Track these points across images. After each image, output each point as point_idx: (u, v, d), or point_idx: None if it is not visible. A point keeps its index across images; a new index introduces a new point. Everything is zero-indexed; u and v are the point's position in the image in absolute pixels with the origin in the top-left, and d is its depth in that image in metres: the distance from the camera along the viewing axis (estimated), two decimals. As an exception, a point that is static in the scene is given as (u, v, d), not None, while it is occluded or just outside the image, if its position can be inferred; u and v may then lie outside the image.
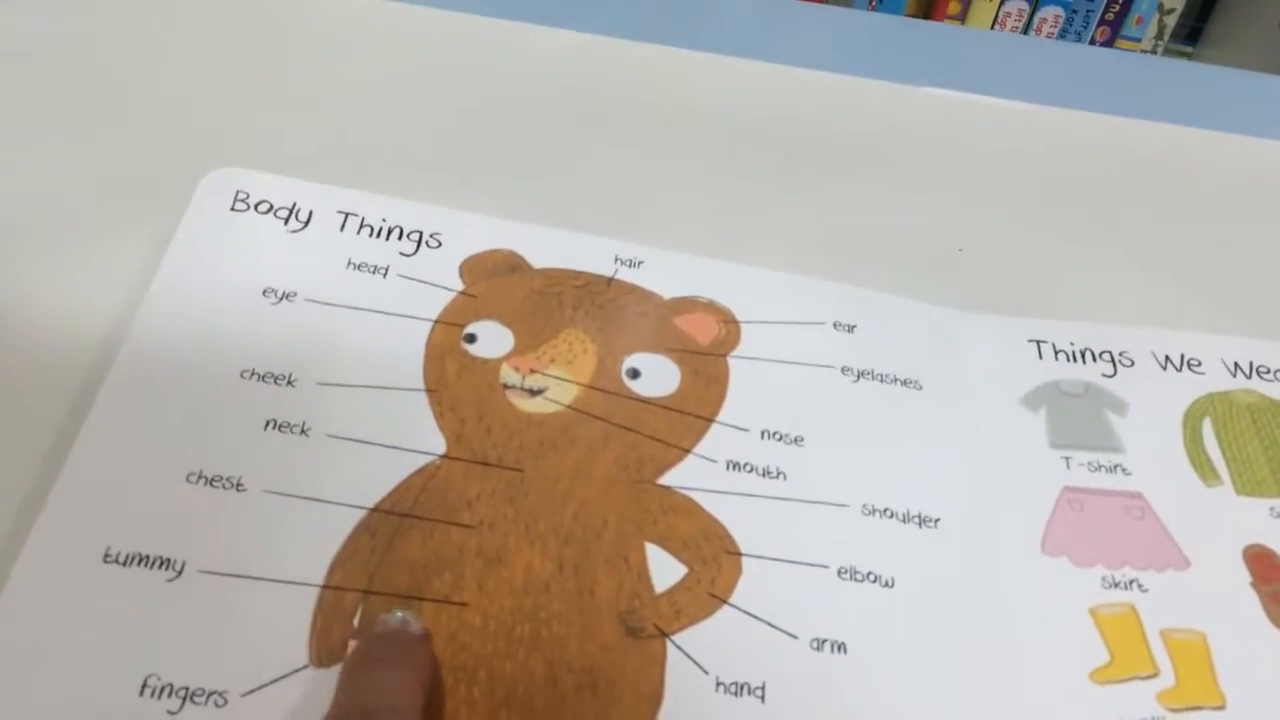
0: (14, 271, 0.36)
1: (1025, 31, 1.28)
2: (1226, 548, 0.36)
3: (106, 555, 0.30)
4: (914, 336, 0.40)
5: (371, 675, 0.27)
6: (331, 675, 0.29)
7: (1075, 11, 1.27)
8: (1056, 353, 0.40)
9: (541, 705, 0.29)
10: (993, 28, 1.30)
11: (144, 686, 0.28)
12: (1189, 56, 1.36)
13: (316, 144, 0.42)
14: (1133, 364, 0.40)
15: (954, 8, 1.25)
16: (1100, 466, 0.38)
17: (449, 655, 0.30)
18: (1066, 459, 0.38)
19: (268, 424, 0.33)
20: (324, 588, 0.30)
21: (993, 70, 0.53)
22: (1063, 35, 1.27)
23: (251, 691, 0.28)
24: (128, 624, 0.29)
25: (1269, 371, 0.41)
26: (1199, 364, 0.41)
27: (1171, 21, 1.29)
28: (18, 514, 0.30)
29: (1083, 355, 0.41)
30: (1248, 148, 0.51)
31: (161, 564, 0.30)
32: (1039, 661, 0.33)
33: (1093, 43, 1.28)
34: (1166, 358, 0.41)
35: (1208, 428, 0.39)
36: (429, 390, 0.35)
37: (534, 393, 0.36)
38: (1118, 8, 1.26)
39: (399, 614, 0.29)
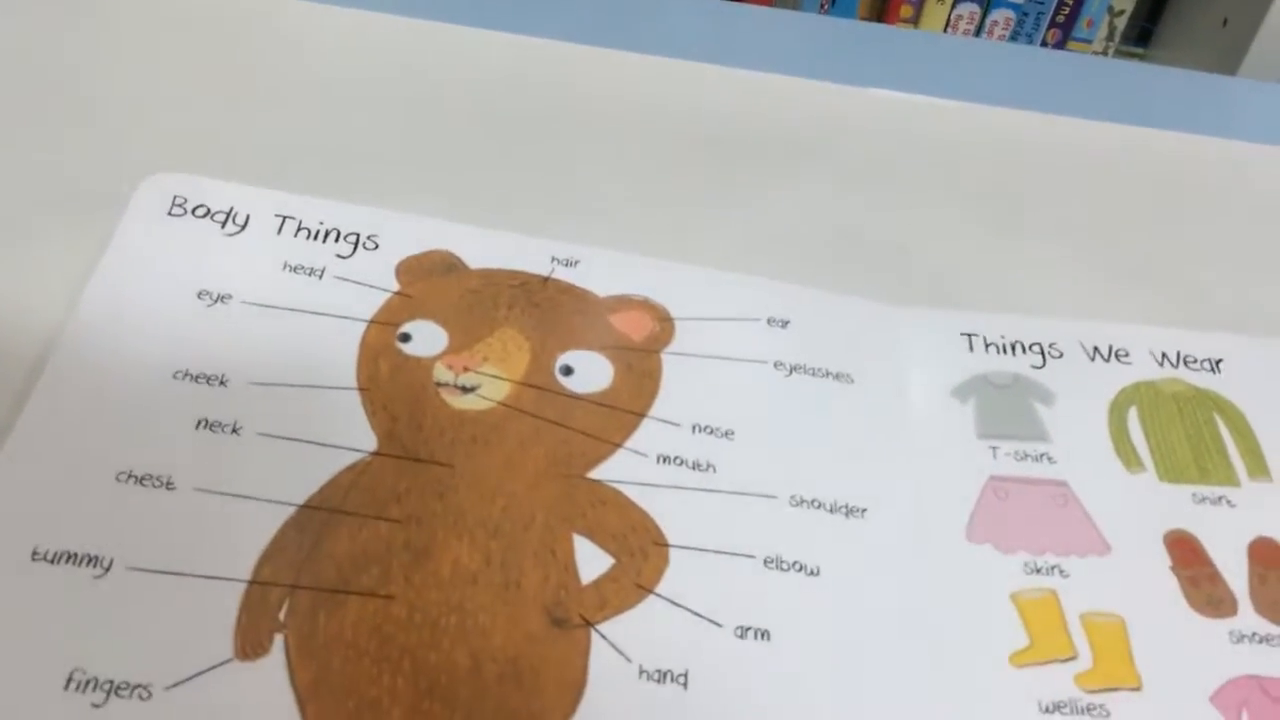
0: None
1: (977, 34, 1.29)
2: (1148, 533, 0.37)
3: (35, 553, 0.30)
4: (847, 331, 0.41)
5: None
6: (254, 668, 0.29)
7: (1026, 14, 1.28)
8: (987, 345, 0.41)
9: (465, 695, 0.30)
10: (945, 31, 1.31)
11: (69, 681, 0.28)
12: (1140, 58, 1.37)
13: (255, 146, 0.42)
14: (1061, 355, 0.41)
15: (906, 11, 1.26)
16: (1026, 456, 0.38)
17: (374, 647, 0.30)
18: (994, 449, 0.38)
19: (199, 423, 0.34)
20: (250, 583, 0.31)
21: (942, 72, 0.54)
22: (1014, 38, 1.28)
23: (176, 684, 0.29)
24: (53, 621, 0.29)
25: (1195, 361, 0.41)
26: (1127, 354, 0.41)
27: (1122, 23, 1.31)
28: (-53, 514, 0.30)
29: (1013, 348, 0.41)
30: (1190, 145, 0.51)
31: (89, 561, 0.30)
32: (960, 646, 0.33)
33: (1044, 45, 1.29)
34: (1095, 349, 0.42)
35: (1133, 416, 0.40)
36: (361, 389, 0.35)
37: (466, 390, 0.36)
38: (1068, 10, 1.27)
39: None
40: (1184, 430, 0.39)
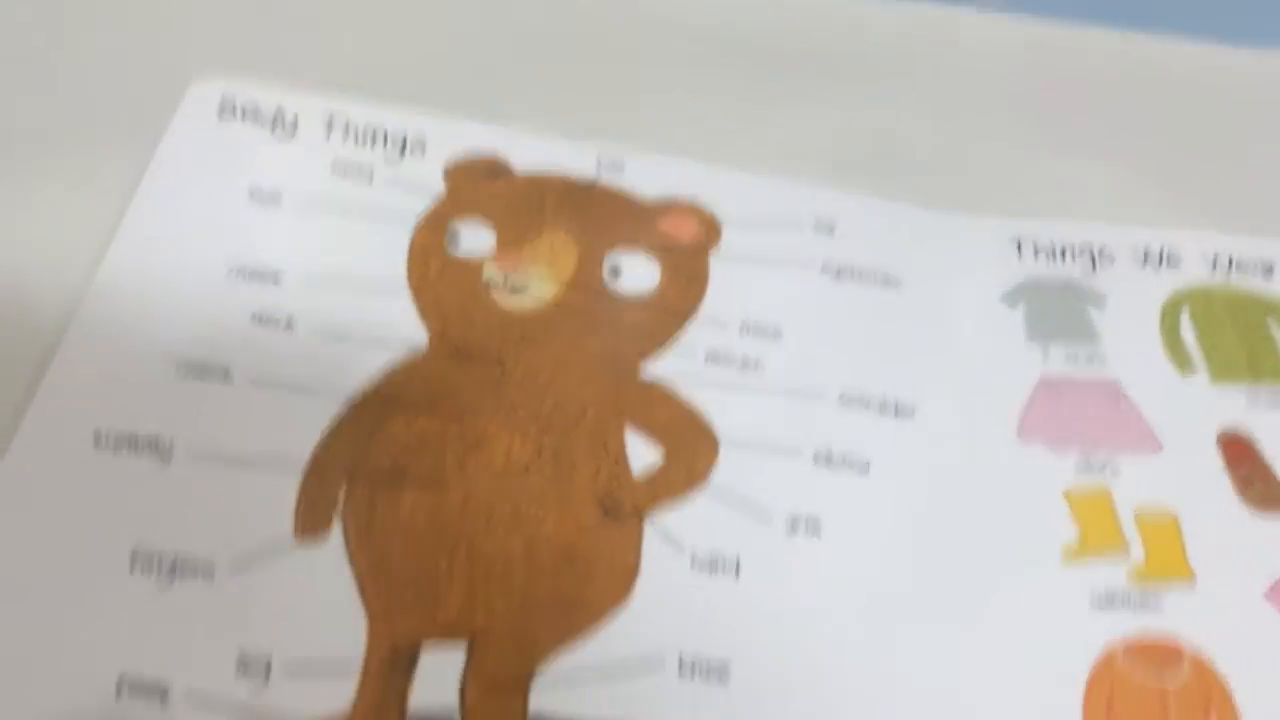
0: (7, 174, 0.36)
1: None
2: (1200, 432, 0.36)
3: (97, 440, 0.31)
4: (894, 237, 0.40)
5: None
6: (314, 552, 0.30)
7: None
8: (1037, 251, 0.41)
9: (520, 580, 0.30)
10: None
11: (133, 561, 0.29)
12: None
13: (303, 49, 0.42)
14: (1113, 260, 0.41)
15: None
16: (1077, 357, 0.38)
17: (430, 534, 0.31)
18: (1044, 350, 0.38)
19: (254, 318, 0.34)
20: (308, 471, 0.31)
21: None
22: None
23: (238, 564, 0.29)
24: (118, 505, 0.30)
25: (1247, 265, 0.41)
26: (1178, 259, 0.41)
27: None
28: (12, 402, 0.31)
29: (1063, 253, 0.41)
30: (1244, 58, 0.50)
31: (151, 447, 0.31)
32: (1012, 541, 0.33)
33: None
34: (1146, 254, 0.41)
35: (1185, 320, 0.39)
36: (412, 288, 0.36)
37: (516, 290, 0.36)
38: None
39: None
40: (1236, 333, 0.39)
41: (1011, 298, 0.39)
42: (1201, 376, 0.38)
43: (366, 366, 0.34)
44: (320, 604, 0.29)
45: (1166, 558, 0.33)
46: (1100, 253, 0.41)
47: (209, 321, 0.34)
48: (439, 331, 0.35)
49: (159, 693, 0.27)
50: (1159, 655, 0.31)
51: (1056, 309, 0.39)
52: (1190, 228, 0.42)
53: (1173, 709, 0.30)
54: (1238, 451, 0.36)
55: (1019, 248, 0.41)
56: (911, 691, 0.30)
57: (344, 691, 0.28)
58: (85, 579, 0.28)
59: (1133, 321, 0.39)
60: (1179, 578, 0.33)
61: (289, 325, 0.34)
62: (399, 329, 0.35)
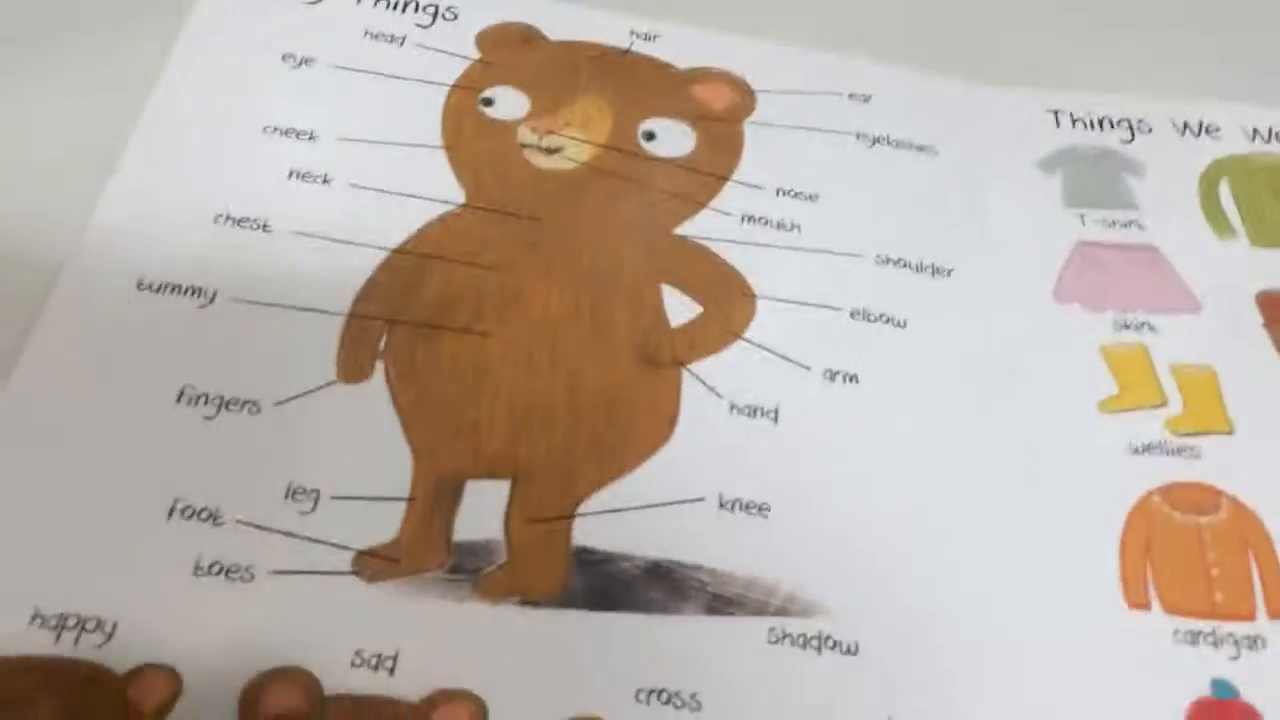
0: (47, 41, 0.36)
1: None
2: (1240, 293, 0.36)
3: (140, 284, 0.31)
4: (930, 107, 0.40)
5: None
6: (357, 391, 0.30)
7: None
8: (1074, 121, 0.40)
9: (562, 421, 0.30)
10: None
11: (180, 395, 0.29)
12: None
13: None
14: (1151, 130, 0.40)
15: None
16: (1115, 223, 0.38)
17: (471, 377, 0.31)
18: (1081, 217, 0.38)
19: (291, 174, 0.34)
20: (350, 316, 0.31)
21: None
22: None
23: (283, 402, 0.29)
24: (162, 344, 0.30)
25: (1288, 136, 0.40)
26: (1217, 130, 0.40)
27: None
28: (55, 246, 0.31)
29: (1100, 123, 0.40)
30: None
31: (193, 293, 0.31)
32: (1049, 395, 0.33)
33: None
34: (1185, 124, 0.41)
35: (1224, 188, 0.39)
36: (446, 148, 0.36)
37: (551, 151, 0.36)
38: None
39: None
40: (1276, 199, 0.39)
41: (1048, 165, 0.39)
42: (1241, 241, 0.38)
43: (404, 221, 0.34)
44: (366, 440, 0.29)
45: (1205, 409, 0.33)
46: (1138, 123, 0.41)
47: (246, 177, 0.34)
48: (474, 190, 0.35)
49: (210, 516, 0.27)
50: (1197, 498, 0.31)
51: (1094, 176, 0.39)
52: (1229, 101, 0.42)
53: (1210, 546, 0.30)
54: (1277, 309, 0.36)
55: (1056, 117, 0.41)
56: (949, 533, 0.30)
57: (391, 521, 0.28)
58: (133, 412, 0.29)
59: (1171, 189, 0.39)
60: (1217, 429, 0.33)
61: (326, 180, 0.34)
62: (435, 187, 0.35)
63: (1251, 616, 0.29)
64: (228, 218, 0.32)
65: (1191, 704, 0.28)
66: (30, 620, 0.25)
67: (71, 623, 0.25)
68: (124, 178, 0.33)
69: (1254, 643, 0.29)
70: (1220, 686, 0.28)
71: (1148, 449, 0.32)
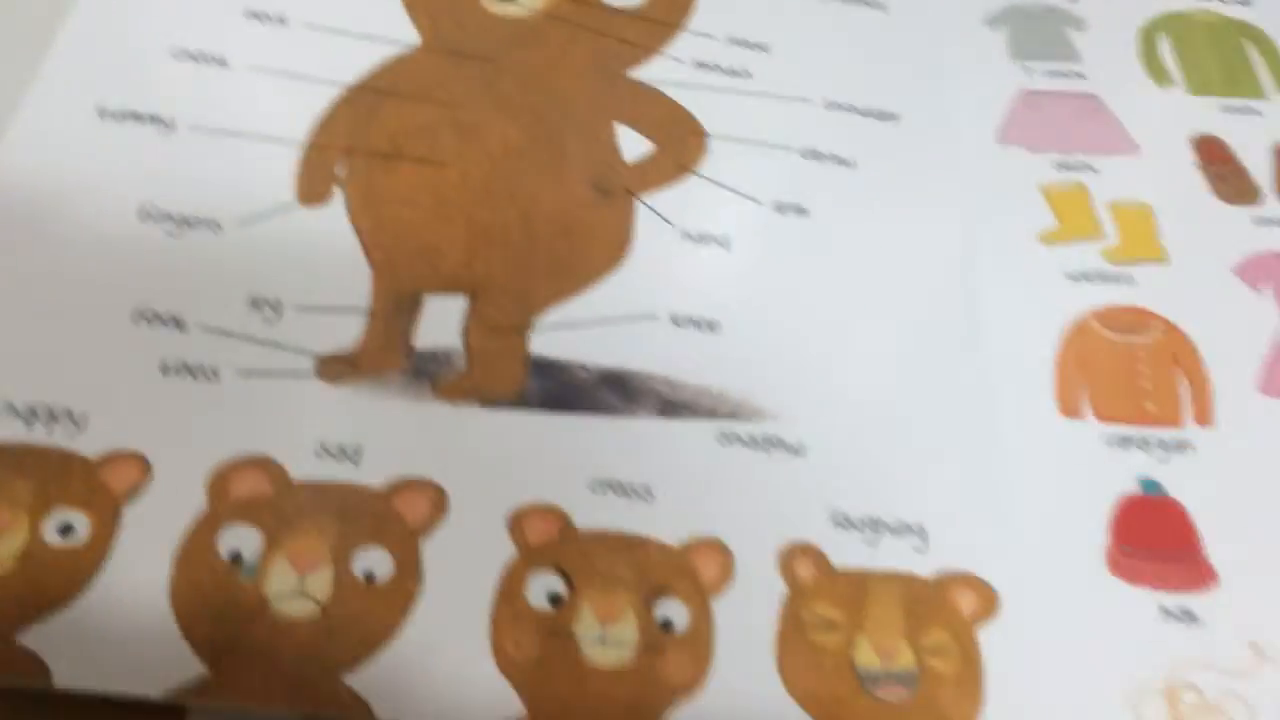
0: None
1: None
2: (1176, 136, 0.37)
3: (101, 112, 0.31)
4: (880, -35, 0.40)
5: None
6: (317, 213, 0.30)
7: None
8: (1020, -20, 0.41)
9: (518, 243, 0.31)
10: None
11: (143, 213, 0.30)
12: None
13: None
14: (1094, -12, 0.41)
15: None
16: (1058, 74, 0.39)
17: (429, 202, 0.31)
18: (1026, 68, 0.39)
19: (248, 13, 0.34)
20: (309, 146, 0.32)
21: None
22: None
23: (245, 221, 0.30)
24: (123, 168, 0.30)
25: (1227, -5, 0.41)
26: (1160, -12, 0.41)
27: None
28: (15, 77, 0.31)
29: (1046, -18, 0.41)
30: None
31: (153, 121, 0.31)
32: (991, 229, 0.34)
33: None
34: (1128, -17, 0.41)
35: (1164, 42, 0.40)
36: (401, -7, 0.36)
37: (506, -2, 0.36)
38: None
39: None
40: (1214, 53, 0.40)
41: (995, 21, 0.40)
42: (1179, 89, 0.39)
43: (362, 58, 0.34)
44: (326, 258, 0.30)
45: (1140, 241, 0.35)
46: (1082, -18, 0.41)
47: (203, 13, 0.34)
48: (431, 33, 0.35)
49: (176, 322, 0.28)
50: (1130, 319, 0.33)
51: (1038, 31, 0.40)
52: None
53: (1142, 362, 0.32)
54: (1212, 151, 0.37)
55: (1003, -23, 0.41)
56: (893, 349, 0.31)
57: (352, 330, 0.29)
58: (96, 227, 0.29)
59: (1113, 42, 0.40)
60: (1151, 258, 0.34)
61: (282, 20, 0.34)
62: (391, 29, 0.35)
63: (1179, 424, 0.31)
64: (185, 52, 0.33)
65: (1121, 499, 0.29)
66: (3, 411, 0.26)
67: (42, 413, 0.26)
68: (82, 10, 0.33)
69: (1181, 446, 0.30)
70: (1148, 484, 0.30)
71: (1085, 276, 0.34)
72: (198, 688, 0.23)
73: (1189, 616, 0.27)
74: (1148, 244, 0.35)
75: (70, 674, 0.23)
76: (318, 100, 0.33)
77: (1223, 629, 0.27)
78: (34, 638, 0.23)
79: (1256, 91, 0.39)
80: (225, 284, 0.29)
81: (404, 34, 0.35)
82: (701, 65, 0.37)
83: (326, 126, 0.32)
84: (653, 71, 0.36)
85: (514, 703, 0.24)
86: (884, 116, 0.36)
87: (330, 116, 0.33)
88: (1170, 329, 0.33)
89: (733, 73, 0.37)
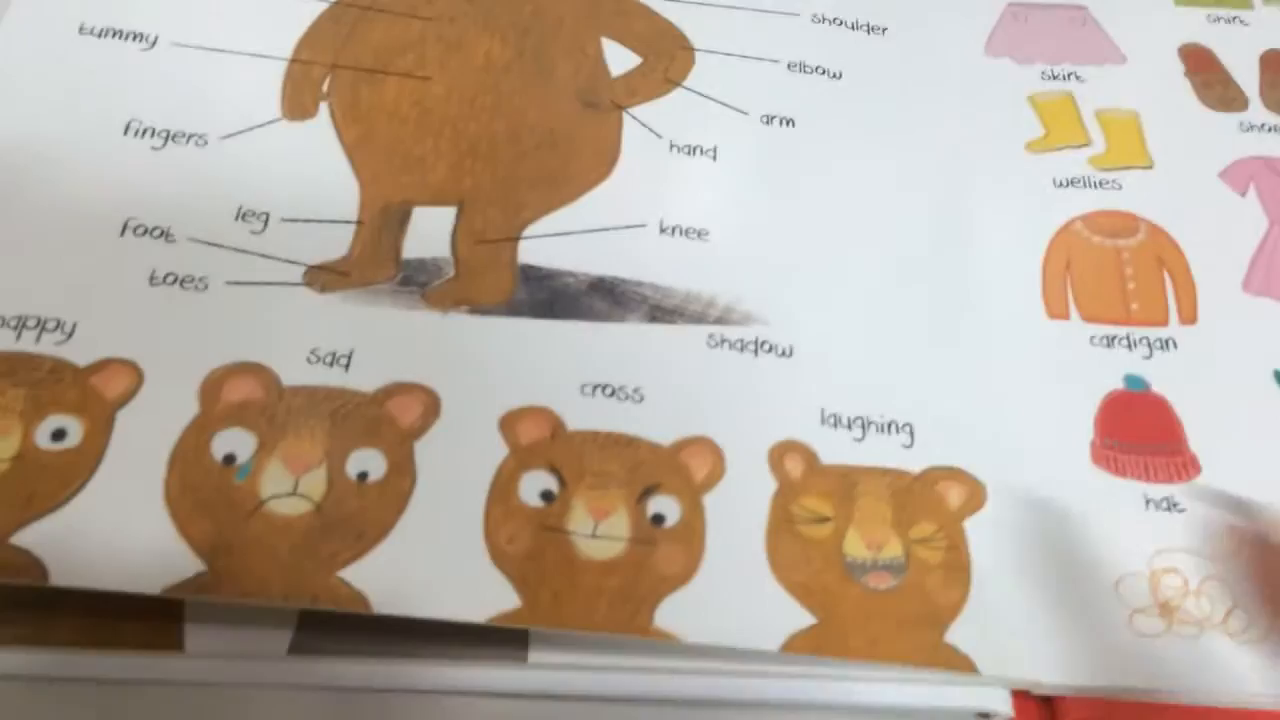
0: None
1: None
2: (1163, 46, 0.37)
3: (81, 28, 0.31)
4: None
5: None
6: (303, 128, 0.30)
7: None
8: (1007, -105, 0.41)
9: (505, 156, 0.31)
10: None
11: (127, 128, 0.30)
12: None
13: None
14: (1082, -97, 0.41)
15: None
16: (1044, -12, 0.39)
17: (415, 116, 0.31)
18: (1012, -18, 0.39)
19: (228, -70, 0.34)
20: (292, 61, 0.32)
21: None
22: None
23: (229, 135, 0.30)
24: (106, 83, 0.30)
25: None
26: (1147, -98, 0.41)
27: None
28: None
29: (1032, -104, 0.41)
30: None
31: (135, 37, 0.31)
32: (979, 135, 0.34)
33: None
34: (1116, -104, 0.41)
35: (1152, -47, 0.40)
36: (383, -91, 0.36)
37: (489, -85, 0.36)
38: None
39: None
40: (1202, -36, 0.40)
41: (982, -65, 0.40)
42: (1166, 0, 0.39)
43: (344, -25, 0.34)
44: (313, 171, 0.30)
45: (1126, 147, 0.35)
46: (1069, -103, 0.41)
47: (183, -69, 0.33)
48: (414, -49, 0.35)
49: (163, 234, 0.28)
50: (1116, 223, 0.33)
51: (1025, -56, 0.40)
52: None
53: (1128, 264, 0.32)
54: (1198, 59, 0.37)
55: (990, -107, 0.41)
56: (882, 254, 0.31)
57: (341, 241, 0.29)
58: (81, 141, 0.29)
59: (1100, -45, 0.40)
60: (1138, 164, 0.34)
61: (264, -63, 0.34)
62: (374, -56, 0.35)
63: (1164, 323, 0.31)
64: (165, -31, 0.33)
65: (1106, 395, 0.30)
66: (-11, 321, 0.26)
67: (31, 323, 0.26)
68: (59, -70, 0.33)
69: (1165, 344, 0.30)
70: (1132, 380, 0.30)
71: (1071, 183, 0.34)
72: (195, 584, 0.23)
73: (1172, 505, 0.27)
74: (1134, 151, 0.35)
75: (68, 573, 0.23)
76: (301, 15, 0.33)
77: (1205, 516, 0.27)
78: (31, 537, 0.23)
79: (1243, 2, 0.39)
80: (212, 196, 0.29)
81: (386, -49, 0.35)
82: (686, -18, 0.36)
83: (310, 41, 0.32)
84: (637, -14, 0.36)
85: (510, 594, 0.24)
86: (871, 30, 0.36)
87: (314, 32, 0.32)
88: (1156, 232, 0.33)
89: (719, -11, 0.36)
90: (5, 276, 0.27)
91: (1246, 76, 0.37)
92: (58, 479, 0.24)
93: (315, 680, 0.24)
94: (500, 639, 0.24)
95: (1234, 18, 0.38)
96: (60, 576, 0.23)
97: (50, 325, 0.26)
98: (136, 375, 0.26)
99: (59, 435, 0.25)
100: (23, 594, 0.23)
